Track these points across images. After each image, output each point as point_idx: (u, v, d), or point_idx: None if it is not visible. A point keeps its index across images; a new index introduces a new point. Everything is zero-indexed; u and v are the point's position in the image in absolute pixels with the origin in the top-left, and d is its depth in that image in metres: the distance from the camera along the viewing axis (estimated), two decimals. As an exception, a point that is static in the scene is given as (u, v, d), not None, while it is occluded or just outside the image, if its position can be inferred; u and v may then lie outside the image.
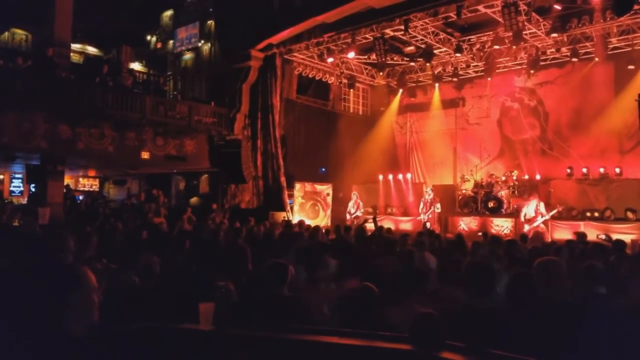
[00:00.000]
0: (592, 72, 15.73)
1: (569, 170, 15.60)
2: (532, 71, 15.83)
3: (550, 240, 12.49)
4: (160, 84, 18.27)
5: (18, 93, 11.48)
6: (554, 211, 14.06)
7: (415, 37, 15.09)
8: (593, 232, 12.70)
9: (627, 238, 10.78)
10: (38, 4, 14.72)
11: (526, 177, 16.52)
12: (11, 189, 18.55)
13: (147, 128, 14.10)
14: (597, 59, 14.82)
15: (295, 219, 14.90)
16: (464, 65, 17.46)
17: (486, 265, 3.32)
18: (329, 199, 17.42)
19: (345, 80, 18.02)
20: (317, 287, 4.51)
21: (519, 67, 16.66)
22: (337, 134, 18.75)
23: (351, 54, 15.77)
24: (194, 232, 7.97)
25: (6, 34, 17.61)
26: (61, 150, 12.72)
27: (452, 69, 17.19)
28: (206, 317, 2.38)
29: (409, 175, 18.35)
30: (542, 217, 13.98)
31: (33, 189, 14.72)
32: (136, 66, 20.06)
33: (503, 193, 15.53)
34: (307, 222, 13.35)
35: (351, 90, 19.47)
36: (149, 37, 22.16)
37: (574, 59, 14.79)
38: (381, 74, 18.52)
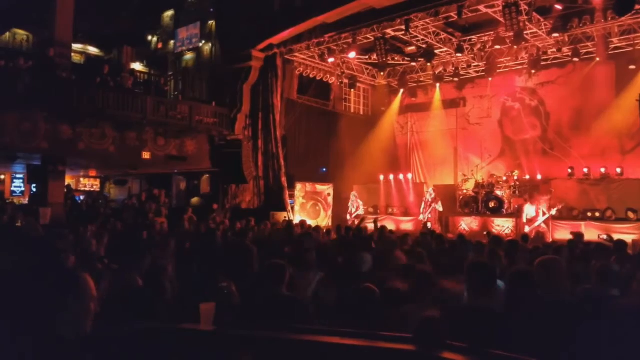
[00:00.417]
0: (593, 72, 15.72)
1: (570, 170, 15.60)
2: (533, 71, 15.84)
3: (551, 240, 12.49)
4: (161, 84, 18.28)
5: (19, 93, 11.48)
6: (554, 210, 14.05)
7: (416, 37, 15.09)
8: (594, 232, 12.70)
9: (628, 238, 10.76)
10: (39, 4, 14.74)
11: (527, 177, 16.52)
12: (12, 189, 18.56)
13: (148, 128, 14.11)
14: (598, 59, 14.82)
15: (296, 219, 14.91)
16: (465, 65, 17.45)
17: (486, 265, 3.32)
18: (330, 199, 17.43)
19: (346, 81, 18.02)
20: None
21: (520, 67, 16.65)
22: (338, 134, 18.76)
23: (352, 54, 15.77)
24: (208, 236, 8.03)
25: (7, 34, 17.62)
26: (62, 151, 12.72)
27: (453, 69, 17.18)
28: (207, 318, 2.38)
29: (409, 176, 18.36)
30: (543, 215, 13.97)
31: (34, 189, 14.73)
32: (137, 66, 20.06)
33: (504, 193, 15.54)
34: (308, 222, 13.38)
35: (352, 90, 19.48)
36: (149, 38, 22.16)
37: (575, 59, 14.77)
38: (382, 74, 18.53)
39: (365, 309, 3.20)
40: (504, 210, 15.31)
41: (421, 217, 16.12)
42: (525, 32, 13.34)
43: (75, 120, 12.61)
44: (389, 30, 14.45)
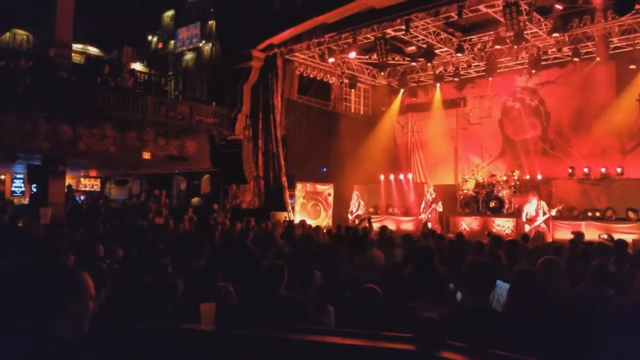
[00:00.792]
0: (593, 71, 15.71)
1: (570, 170, 15.58)
2: (533, 71, 15.83)
3: (551, 240, 12.49)
4: (162, 84, 18.31)
5: (19, 93, 11.49)
6: (555, 210, 14.04)
7: (417, 37, 15.09)
8: (594, 232, 12.69)
9: (629, 238, 10.75)
10: (39, 4, 14.75)
11: (527, 177, 16.51)
12: (12, 189, 18.56)
13: (148, 128, 14.11)
14: (598, 59, 14.81)
15: (296, 219, 14.92)
16: (465, 65, 17.44)
17: (486, 265, 3.33)
18: (330, 199, 17.43)
19: (346, 80, 18.02)
20: None
21: (520, 66, 16.65)
22: (338, 134, 18.76)
23: (352, 54, 15.76)
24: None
25: (7, 34, 17.62)
26: (62, 151, 12.73)
27: (453, 68, 17.17)
28: (207, 318, 2.38)
29: (410, 176, 18.35)
30: (543, 215, 13.97)
31: (34, 189, 14.74)
32: (137, 66, 20.07)
33: (504, 193, 15.53)
34: (309, 222, 13.39)
35: (352, 90, 19.47)
36: (150, 38, 22.17)
37: (576, 59, 14.77)
38: (382, 74, 18.52)
39: (367, 310, 3.21)
40: (505, 210, 15.30)
41: (422, 216, 16.12)
42: (525, 32, 13.33)
43: (75, 121, 12.62)
44: (389, 30, 14.45)
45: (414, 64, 17.69)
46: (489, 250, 6.02)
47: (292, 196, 16.74)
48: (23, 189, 18.54)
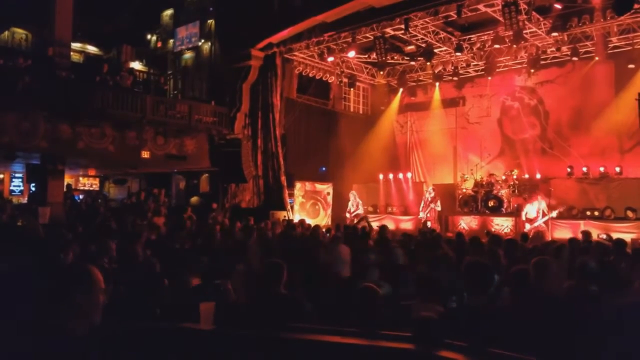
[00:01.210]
0: (592, 71, 15.72)
1: (569, 170, 15.58)
2: (532, 70, 15.83)
3: (550, 239, 12.49)
4: (161, 83, 18.28)
5: (18, 92, 11.48)
6: (555, 212, 14.04)
7: (416, 36, 15.10)
8: (593, 232, 12.67)
9: (627, 237, 10.76)
10: (38, 3, 14.71)
11: (526, 176, 16.52)
12: (11, 188, 18.54)
13: (147, 127, 14.10)
14: (597, 58, 14.83)
15: (295, 218, 14.92)
16: (464, 65, 17.44)
17: (484, 265, 3.34)
18: (329, 198, 17.43)
19: (345, 80, 18.02)
20: None
21: (519, 66, 16.65)
22: (338, 133, 18.76)
23: (351, 53, 15.77)
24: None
25: (6, 33, 17.58)
26: (61, 150, 12.72)
27: (453, 68, 17.18)
28: (207, 317, 2.38)
29: (409, 175, 18.36)
30: (543, 216, 13.98)
31: (33, 189, 14.73)
32: (136, 65, 20.03)
33: (503, 192, 15.54)
34: (308, 221, 13.39)
35: (351, 89, 19.48)
36: (149, 37, 22.13)
37: (574, 58, 14.78)
38: (381, 73, 18.52)
39: (366, 308, 3.21)
40: (503, 210, 15.32)
41: (421, 216, 16.14)
42: (524, 32, 13.34)
43: (74, 120, 12.61)
44: (388, 30, 14.45)
45: (413, 63, 17.69)
46: (487, 249, 6.04)
47: (291, 195, 16.74)
48: (22, 188, 18.52)
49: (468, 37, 15.65)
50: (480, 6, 12.86)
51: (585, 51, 14.98)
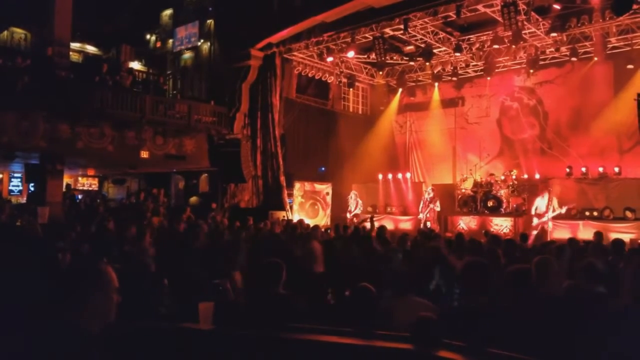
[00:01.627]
0: (591, 71, 15.74)
1: (568, 170, 15.59)
2: (531, 70, 15.85)
3: (549, 239, 12.49)
4: (160, 83, 18.25)
5: (17, 92, 11.47)
6: (565, 208, 14.04)
7: (415, 36, 15.10)
8: (592, 232, 12.68)
9: (626, 237, 10.77)
10: (37, 3, 14.69)
11: (525, 176, 16.53)
12: (10, 188, 18.52)
13: (146, 127, 14.09)
14: (596, 59, 14.85)
15: (295, 218, 14.92)
16: (463, 65, 17.46)
17: (482, 264, 3.34)
18: (329, 199, 17.43)
19: (344, 80, 18.02)
20: None
21: (519, 66, 16.67)
22: (337, 133, 18.76)
23: (351, 53, 15.77)
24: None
25: (5, 33, 17.56)
26: (61, 150, 12.71)
27: (452, 68, 17.20)
28: (206, 317, 2.39)
29: (408, 175, 18.36)
30: (553, 212, 13.98)
31: (32, 188, 14.71)
32: (135, 65, 20.01)
33: (502, 192, 15.56)
34: (307, 221, 13.38)
35: (351, 89, 19.48)
36: (148, 36, 22.10)
37: (573, 59, 14.81)
38: (381, 73, 18.52)
39: (363, 308, 3.22)
40: (503, 210, 15.33)
41: (420, 216, 16.14)
42: (523, 32, 13.35)
43: (73, 119, 12.60)
44: (387, 30, 14.45)
45: (412, 63, 17.70)
46: (487, 249, 6.03)
47: (290, 195, 16.74)
48: (20, 187, 18.49)
49: (467, 37, 15.65)
50: (480, 6, 12.86)
51: (584, 51, 14.99)
